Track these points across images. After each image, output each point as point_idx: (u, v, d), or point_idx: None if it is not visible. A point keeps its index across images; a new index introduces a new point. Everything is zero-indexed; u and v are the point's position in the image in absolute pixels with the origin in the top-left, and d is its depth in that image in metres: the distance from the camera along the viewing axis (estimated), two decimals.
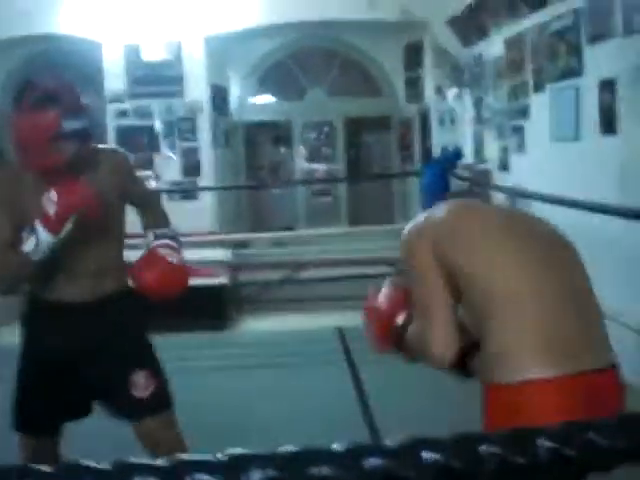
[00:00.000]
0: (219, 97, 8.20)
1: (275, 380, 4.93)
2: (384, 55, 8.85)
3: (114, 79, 7.66)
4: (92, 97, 8.15)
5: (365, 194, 9.30)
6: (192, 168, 7.66)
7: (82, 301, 2.48)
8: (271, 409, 4.35)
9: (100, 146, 2.66)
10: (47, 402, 2.50)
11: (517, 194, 5.82)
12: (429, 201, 5.65)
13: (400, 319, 2.07)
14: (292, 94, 9.04)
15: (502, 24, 6.15)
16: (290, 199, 9.15)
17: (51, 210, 2.24)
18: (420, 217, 2.00)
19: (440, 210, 1.98)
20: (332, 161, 9.26)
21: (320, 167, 9.38)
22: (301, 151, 9.28)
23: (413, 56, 8.61)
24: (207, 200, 7.70)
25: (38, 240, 2.27)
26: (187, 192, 7.65)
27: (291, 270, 7.89)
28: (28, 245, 2.29)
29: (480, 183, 6.72)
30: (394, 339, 2.08)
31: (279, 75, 8.79)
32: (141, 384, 2.46)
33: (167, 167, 7.67)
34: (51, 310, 2.52)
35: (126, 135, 7.65)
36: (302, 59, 8.80)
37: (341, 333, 5.99)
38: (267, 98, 9.07)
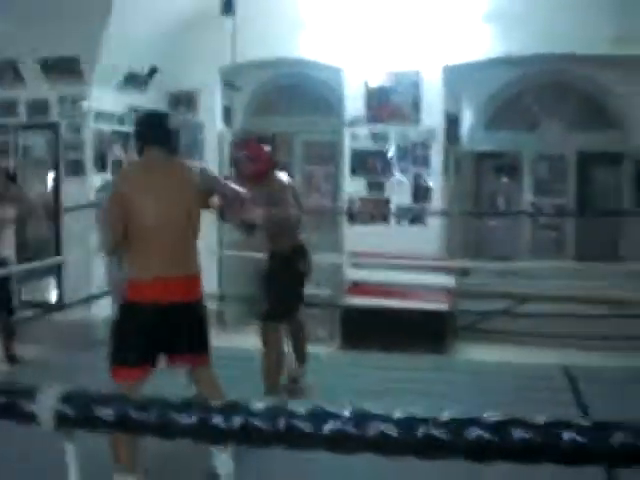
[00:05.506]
0: (452, 125, 8.30)
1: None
2: (626, 90, 8.56)
3: (353, 103, 7.95)
4: (330, 120, 8.54)
5: (593, 231, 9.02)
6: (422, 194, 7.80)
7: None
8: None
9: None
10: None
11: None
12: None
13: None
14: (525, 126, 8.95)
15: None
16: (513, 231, 9.05)
17: None
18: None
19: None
20: (561, 195, 9.06)
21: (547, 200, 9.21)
22: (528, 183, 9.16)
23: None
24: (434, 226, 7.80)
25: None
26: (416, 217, 7.80)
27: (513, 302, 7.81)
28: None
29: None
30: None
31: (513, 106, 8.74)
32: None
33: (398, 191, 7.86)
34: None
35: (361, 158, 7.94)
36: (537, 92, 8.70)
37: (568, 372, 5.87)
38: (498, 128, 9.04)
